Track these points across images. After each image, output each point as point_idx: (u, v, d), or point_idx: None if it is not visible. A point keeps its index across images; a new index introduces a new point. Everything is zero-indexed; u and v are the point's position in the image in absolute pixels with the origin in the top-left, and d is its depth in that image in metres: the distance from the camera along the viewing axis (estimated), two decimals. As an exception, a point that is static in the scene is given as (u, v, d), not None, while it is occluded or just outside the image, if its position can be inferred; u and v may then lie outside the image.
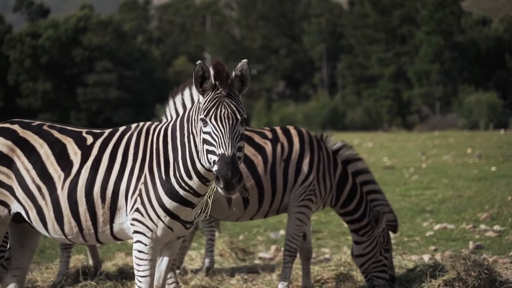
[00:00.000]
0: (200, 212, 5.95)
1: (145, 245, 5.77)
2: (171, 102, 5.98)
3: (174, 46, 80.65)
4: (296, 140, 7.91)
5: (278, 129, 8.05)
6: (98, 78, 64.16)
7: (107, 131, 6.13)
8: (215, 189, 5.57)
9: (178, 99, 5.92)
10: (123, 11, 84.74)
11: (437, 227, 12.15)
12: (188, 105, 5.82)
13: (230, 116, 5.38)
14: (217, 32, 77.42)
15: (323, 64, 72.72)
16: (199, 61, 5.49)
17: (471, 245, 10.41)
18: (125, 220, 5.85)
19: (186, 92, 5.86)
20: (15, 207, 6.02)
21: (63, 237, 6.00)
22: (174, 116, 5.92)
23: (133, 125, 6.11)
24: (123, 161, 5.88)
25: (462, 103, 54.67)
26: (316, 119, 58.70)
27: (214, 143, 5.31)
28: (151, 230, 5.75)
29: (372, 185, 8.29)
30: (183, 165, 5.67)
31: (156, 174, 5.74)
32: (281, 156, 7.81)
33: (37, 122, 6.24)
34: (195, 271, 9.41)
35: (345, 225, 12.94)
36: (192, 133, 5.63)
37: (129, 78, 65.80)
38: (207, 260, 9.49)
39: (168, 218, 5.72)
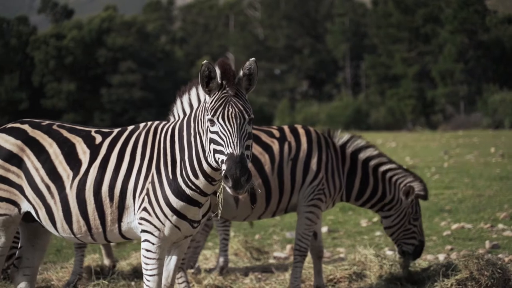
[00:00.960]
0: (207, 212, 5.94)
1: (153, 244, 5.78)
2: (178, 102, 5.98)
3: (198, 46, 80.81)
4: (303, 139, 7.90)
5: (285, 128, 8.05)
6: (122, 78, 64.48)
7: (116, 130, 6.15)
8: (223, 188, 5.55)
9: (185, 98, 5.93)
10: (146, 11, 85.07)
11: (454, 226, 12.08)
12: (195, 104, 5.82)
13: (238, 116, 5.36)
14: (240, 32, 77.53)
15: (347, 64, 72.59)
16: (205, 61, 5.48)
17: (487, 244, 10.33)
18: (133, 219, 5.86)
19: (193, 91, 5.86)
20: (25, 206, 6.06)
21: (72, 236, 6.02)
22: (182, 116, 5.93)
23: (141, 124, 6.13)
24: (131, 160, 5.89)
25: (487, 102, 54.27)
26: (340, 118, 58.55)
27: (222, 142, 5.30)
28: (158, 229, 5.75)
29: (386, 165, 8.28)
30: (189, 164, 5.67)
31: (163, 174, 5.75)
32: (289, 155, 7.80)
33: (47, 122, 6.27)
34: (209, 271, 9.42)
35: (362, 225, 12.95)
36: (199, 132, 5.62)
37: (152, 79, 66.08)
38: (221, 260, 9.50)
39: (175, 217, 5.72)
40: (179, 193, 5.69)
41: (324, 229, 12.44)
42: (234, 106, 5.38)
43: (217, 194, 5.63)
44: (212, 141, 5.37)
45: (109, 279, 8.46)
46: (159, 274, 5.85)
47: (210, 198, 5.91)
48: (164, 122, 6.03)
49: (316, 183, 7.78)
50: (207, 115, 5.39)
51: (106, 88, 64.82)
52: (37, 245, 6.45)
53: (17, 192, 6.05)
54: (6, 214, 6.06)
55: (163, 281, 6.06)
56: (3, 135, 6.16)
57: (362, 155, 8.19)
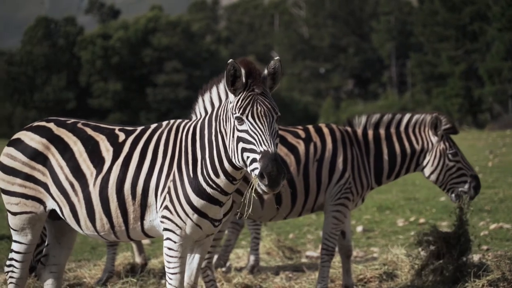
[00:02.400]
0: (229, 211, 5.91)
1: (175, 242, 5.79)
2: (200, 100, 5.98)
3: (243, 45, 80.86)
4: (328, 139, 7.85)
5: (311, 128, 7.99)
6: (167, 78, 64.78)
7: (139, 129, 6.18)
8: (254, 187, 5.43)
9: (206, 97, 5.92)
10: (192, 11, 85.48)
11: (493, 226, 11.88)
12: (216, 103, 5.81)
13: (267, 114, 5.36)
14: (285, 31, 77.31)
15: (392, 63, 71.99)
16: (230, 60, 5.48)
17: (524, 245, 10.16)
18: (155, 217, 5.87)
19: (214, 90, 5.85)
20: (50, 204, 6.12)
21: (95, 233, 6.05)
22: (203, 114, 5.92)
23: (164, 123, 6.16)
24: (153, 158, 5.91)
25: (536, 100, 53.40)
26: (385, 118, 58.02)
27: (254, 141, 5.27)
28: (180, 228, 5.75)
29: (403, 120, 8.14)
30: (210, 163, 5.66)
31: (184, 172, 5.74)
32: (314, 156, 7.76)
33: (72, 120, 6.33)
34: (240, 269, 9.40)
35: (399, 224, 12.80)
36: (220, 131, 5.61)
37: (198, 78, 66.16)
38: (252, 258, 9.48)
39: (196, 215, 5.71)
40: (200, 192, 5.69)
41: (359, 229, 12.34)
42: (262, 104, 5.38)
43: (245, 194, 5.54)
44: (240, 139, 5.34)
45: (139, 277, 8.49)
46: (182, 273, 5.85)
47: (233, 198, 5.88)
48: (186, 121, 6.05)
49: (343, 182, 7.72)
50: (235, 113, 5.37)
51: (151, 87, 65.18)
52: (63, 243, 6.51)
53: (42, 190, 6.11)
54: (32, 212, 6.13)
55: (186, 279, 6.06)
56: (29, 133, 6.24)
57: (382, 128, 8.10)
